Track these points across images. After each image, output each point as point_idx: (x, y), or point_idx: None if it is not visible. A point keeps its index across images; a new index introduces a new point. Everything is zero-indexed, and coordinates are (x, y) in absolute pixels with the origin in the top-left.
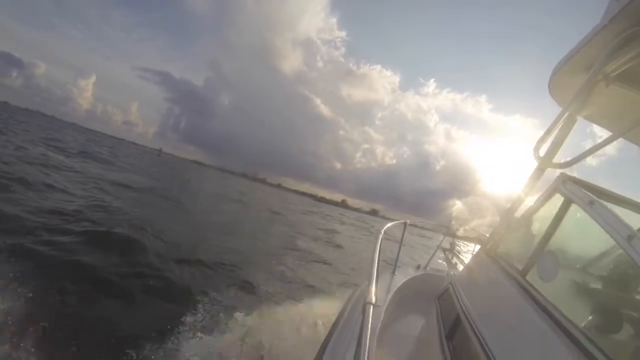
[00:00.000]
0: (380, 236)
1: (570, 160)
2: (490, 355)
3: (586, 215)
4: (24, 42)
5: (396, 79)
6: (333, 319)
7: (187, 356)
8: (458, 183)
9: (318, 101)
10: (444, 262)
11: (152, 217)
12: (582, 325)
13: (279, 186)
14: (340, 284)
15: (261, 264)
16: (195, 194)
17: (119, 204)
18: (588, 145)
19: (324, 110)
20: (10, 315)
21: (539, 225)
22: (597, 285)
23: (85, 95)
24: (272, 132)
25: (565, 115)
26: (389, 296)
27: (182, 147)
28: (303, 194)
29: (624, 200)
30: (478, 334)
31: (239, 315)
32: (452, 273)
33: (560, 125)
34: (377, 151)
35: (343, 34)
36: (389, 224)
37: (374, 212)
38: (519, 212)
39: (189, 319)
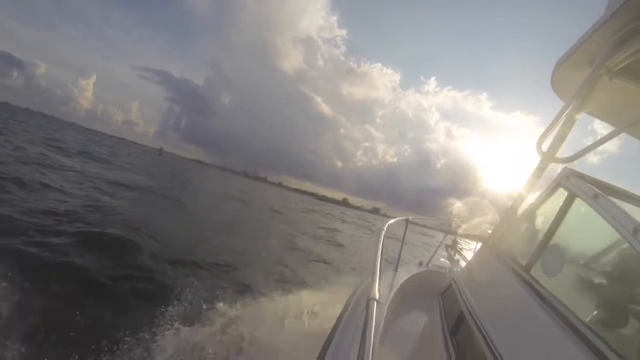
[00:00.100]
0: (383, 233)
1: (574, 155)
2: (495, 351)
3: (591, 209)
4: (24, 42)
5: (397, 77)
6: (318, 309)
7: (162, 348)
8: (459, 181)
9: (319, 100)
10: (446, 259)
11: (149, 217)
12: (588, 320)
13: (279, 185)
14: (341, 284)
15: (259, 265)
16: (195, 193)
17: (116, 203)
18: (589, 142)
19: (325, 108)
20: None
21: (543, 220)
22: (602, 279)
23: (85, 95)
24: (273, 130)
25: (568, 110)
26: (392, 293)
27: (182, 147)
28: (304, 192)
29: (628, 195)
30: (482, 329)
31: (221, 307)
32: (454, 269)
33: (562, 120)
34: (378, 149)
35: (343, 32)
36: (391, 221)
37: (375, 211)
38: (522, 208)
39: (170, 310)
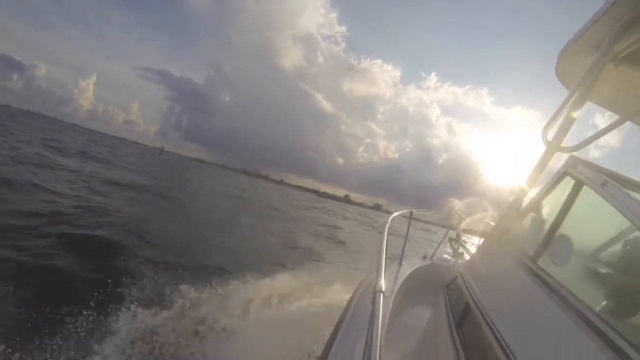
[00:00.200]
0: (388, 225)
1: (579, 144)
2: (503, 342)
3: (598, 197)
4: (24, 44)
5: (397, 73)
6: (287, 293)
7: (114, 330)
8: (460, 176)
9: (319, 97)
10: (451, 252)
11: (143, 217)
12: (598, 309)
13: (281, 182)
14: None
15: (256, 266)
16: (194, 192)
17: (108, 204)
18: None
19: (326, 105)
20: None
21: (549, 209)
22: (611, 268)
23: (86, 95)
24: (274, 128)
25: (573, 98)
26: (397, 286)
27: (183, 146)
28: (306, 189)
29: (635, 184)
30: (489, 321)
31: (186, 290)
32: (459, 262)
33: (567, 109)
34: (379, 145)
35: (343, 29)
36: (395, 214)
37: (377, 207)
38: (527, 198)
39: (130, 295)
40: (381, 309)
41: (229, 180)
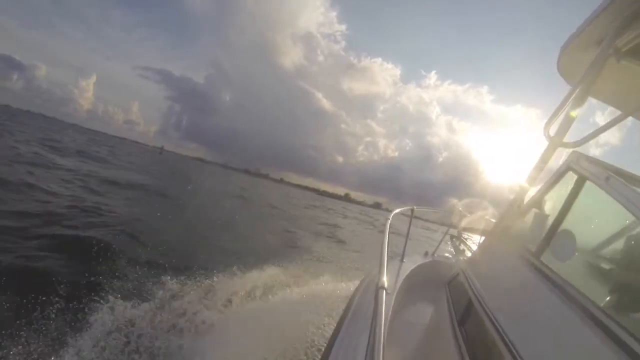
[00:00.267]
0: (389, 223)
1: (582, 139)
2: (506, 338)
3: (602, 192)
4: (24, 44)
5: (397, 71)
6: (272, 283)
7: (91, 323)
8: (461, 174)
9: (319, 95)
10: (452, 250)
11: (139, 217)
12: (602, 304)
13: (281, 181)
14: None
15: (250, 262)
16: (194, 191)
17: (105, 204)
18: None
19: (326, 104)
20: None
21: (552, 205)
22: (615, 263)
23: (86, 95)
24: (274, 127)
25: (575, 93)
26: (398, 283)
27: (184, 145)
28: (306, 188)
29: (638, 179)
30: (492, 317)
31: (169, 282)
32: (460, 259)
33: (569, 105)
34: (379, 144)
35: (343, 27)
36: (396, 211)
37: (377, 205)
38: (529, 194)
39: (110, 288)
40: (384, 305)
41: (228, 179)
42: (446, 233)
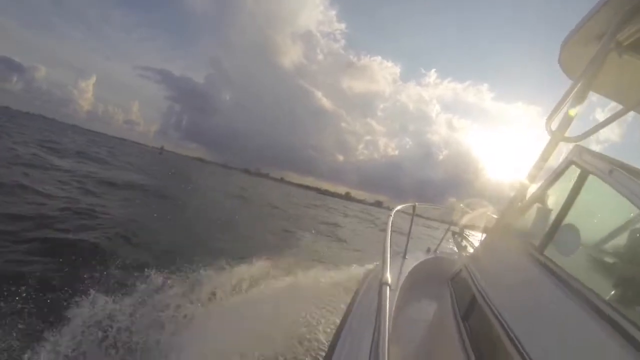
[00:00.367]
0: (391, 219)
1: (583, 134)
2: (511, 333)
3: (604, 186)
4: (23, 45)
5: (397, 69)
6: (260, 276)
7: (70, 317)
8: (461, 172)
9: (319, 94)
10: (454, 246)
11: (134, 218)
12: (607, 298)
13: (282, 180)
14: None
15: (241, 261)
16: (193, 191)
17: (100, 205)
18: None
19: (326, 103)
20: None
21: (554, 200)
22: (619, 256)
23: (86, 96)
24: (274, 127)
25: (577, 87)
26: (401, 279)
27: (184, 145)
28: (307, 187)
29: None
30: (496, 312)
31: (153, 276)
32: (463, 255)
33: (571, 99)
34: (379, 142)
35: (342, 26)
36: (398, 207)
37: (378, 204)
38: (531, 189)
39: (100, 283)
40: (387, 301)
41: (228, 179)
42: (448, 229)
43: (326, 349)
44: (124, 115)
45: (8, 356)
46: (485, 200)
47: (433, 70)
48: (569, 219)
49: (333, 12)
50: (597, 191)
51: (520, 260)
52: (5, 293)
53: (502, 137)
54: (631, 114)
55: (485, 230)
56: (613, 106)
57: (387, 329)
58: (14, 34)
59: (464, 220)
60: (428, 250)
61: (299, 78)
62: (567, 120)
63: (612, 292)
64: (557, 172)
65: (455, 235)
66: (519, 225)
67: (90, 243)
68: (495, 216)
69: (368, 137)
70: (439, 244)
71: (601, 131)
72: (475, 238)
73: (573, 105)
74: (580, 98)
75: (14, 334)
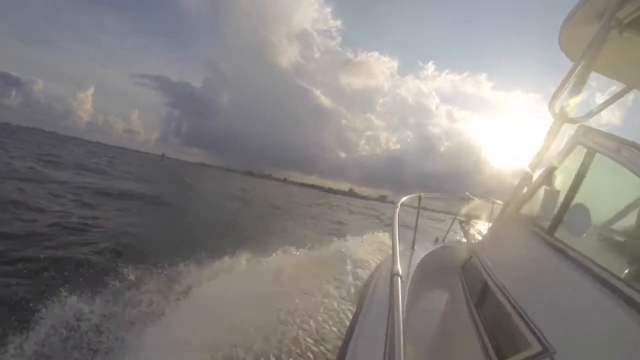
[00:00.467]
0: (397, 210)
1: (587, 114)
2: (526, 318)
3: (613, 163)
4: (20, 59)
5: (394, 64)
6: (240, 270)
7: (37, 320)
8: (463, 162)
9: (318, 92)
10: (461, 235)
11: (127, 229)
12: (623, 276)
13: (284, 180)
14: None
15: (222, 254)
16: (194, 196)
17: (93, 217)
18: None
19: (325, 101)
20: None
21: (562, 181)
22: (631, 234)
23: (85, 107)
24: (275, 127)
25: (578, 68)
26: (411, 271)
27: (185, 151)
28: (310, 186)
29: None
30: (509, 297)
31: (128, 272)
32: (472, 242)
33: (573, 80)
34: (380, 137)
35: (338, 23)
36: (404, 198)
37: (382, 199)
38: (538, 172)
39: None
40: (400, 291)
41: (230, 182)
42: (455, 219)
43: (341, 341)
44: (124, 124)
45: None
46: (491, 189)
47: (430, 62)
48: (577, 199)
49: (328, 10)
50: (605, 170)
51: (531, 244)
52: None
53: (503, 125)
54: (632, 94)
55: (491, 218)
56: (614, 89)
57: (401, 319)
58: (10, 49)
59: (471, 208)
60: (436, 240)
61: (297, 77)
62: (571, 102)
63: (627, 270)
64: (563, 153)
65: (463, 224)
66: (527, 208)
67: (76, 260)
68: (501, 202)
69: (369, 133)
70: (446, 234)
71: (602, 114)
72: (483, 226)
73: (575, 87)
74: (582, 79)
75: None
